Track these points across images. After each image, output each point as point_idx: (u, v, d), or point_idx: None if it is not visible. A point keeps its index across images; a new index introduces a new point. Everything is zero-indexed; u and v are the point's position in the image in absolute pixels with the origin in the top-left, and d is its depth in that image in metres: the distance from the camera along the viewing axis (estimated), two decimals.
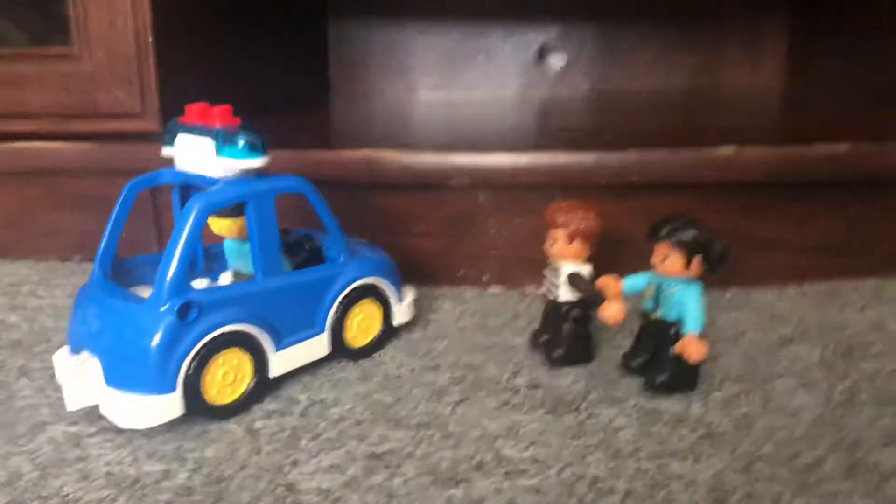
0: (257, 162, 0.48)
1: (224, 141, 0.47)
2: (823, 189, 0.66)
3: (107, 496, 0.39)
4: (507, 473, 0.41)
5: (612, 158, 0.65)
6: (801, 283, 0.68)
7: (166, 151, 0.51)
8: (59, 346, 0.56)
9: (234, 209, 0.49)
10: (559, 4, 1.21)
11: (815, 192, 0.66)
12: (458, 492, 0.39)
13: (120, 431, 0.45)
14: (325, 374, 0.52)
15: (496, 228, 0.67)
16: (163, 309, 0.44)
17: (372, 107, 1.08)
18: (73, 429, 0.45)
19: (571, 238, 0.52)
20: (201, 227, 0.46)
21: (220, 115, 0.48)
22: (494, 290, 0.68)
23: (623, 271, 0.52)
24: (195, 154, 0.49)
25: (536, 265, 0.67)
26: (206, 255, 0.57)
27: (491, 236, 0.68)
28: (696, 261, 0.48)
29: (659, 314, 0.50)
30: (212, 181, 0.48)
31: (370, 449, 0.43)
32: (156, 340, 0.43)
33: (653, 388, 0.49)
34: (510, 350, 0.56)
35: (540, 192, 0.66)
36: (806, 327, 0.59)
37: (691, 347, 0.47)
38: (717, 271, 0.49)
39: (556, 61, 1.24)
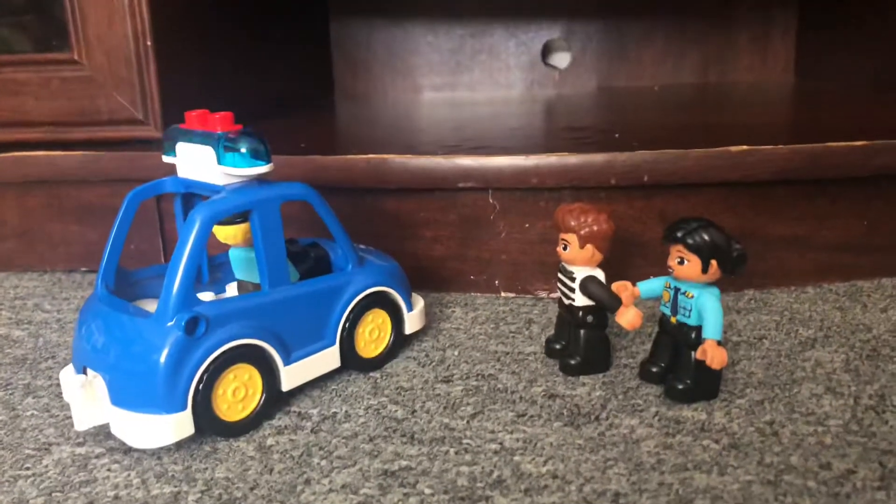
0: (261, 169, 0.47)
1: (226, 148, 0.46)
2: (843, 186, 0.65)
3: None
4: (526, 490, 0.39)
5: (622, 159, 0.63)
6: (820, 283, 0.66)
7: (167, 159, 0.50)
8: (65, 362, 0.56)
9: (238, 215, 0.48)
10: (563, 1, 1.19)
11: (835, 188, 0.65)
12: None
13: (128, 451, 0.44)
14: (336, 387, 0.51)
15: (506, 232, 0.66)
16: (170, 324, 0.42)
17: (376, 108, 1.07)
18: (80, 450, 0.44)
19: (583, 242, 0.50)
20: (205, 239, 0.44)
21: (221, 121, 0.47)
22: (506, 295, 0.67)
23: (636, 274, 0.51)
24: (197, 162, 0.48)
25: (548, 269, 0.66)
26: (211, 266, 0.56)
27: (501, 240, 0.66)
28: (714, 265, 0.46)
29: (677, 319, 0.48)
30: (215, 189, 0.47)
31: (384, 466, 0.42)
32: (163, 357, 0.42)
33: (674, 396, 0.48)
34: (524, 358, 0.55)
35: (549, 194, 0.64)
36: (828, 329, 0.57)
37: (713, 353, 0.45)
38: (735, 274, 0.47)
39: (561, 60, 1.22)
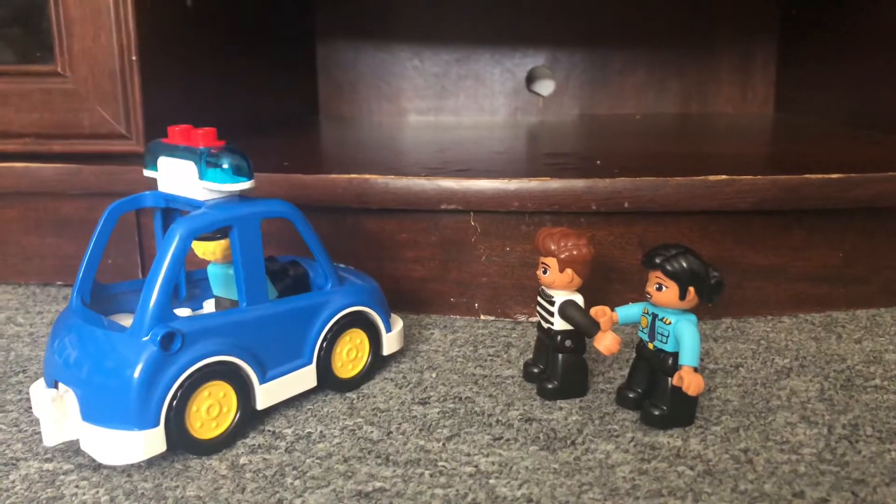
0: (242, 185, 0.47)
1: (208, 164, 0.46)
2: (819, 217, 0.66)
3: None
4: None
5: (603, 185, 0.64)
6: (796, 313, 0.67)
7: (148, 173, 0.50)
8: (36, 376, 0.55)
9: (218, 231, 0.47)
10: (548, 30, 1.21)
11: (811, 220, 0.66)
12: None
13: (97, 468, 0.43)
14: (311, 407, 0.51)
15: (487, 255, 0.66)
16: (145, 339, 0.42)
17: (361, 129, 1.07)
18: (48, 466, 0.43)
19: (563, 266, 0.51)
20: (184, 254, 0.44)
21: (204, 136, 0.47)
22: (485, 317, 0.67)
23: (615, 299, 0.51)
24: (178, 177, 0.47)
25: (528, 292, 0.66)
26: (189, 282, 0.56)
27: (482, 263, 0.66)
28: (691, 291, 0.47)
29: (655, 345, 0.49)
30: (195, 204, 0.47)
31: (358, 487, 0.41)
32: (137, 372, 0.41)
33: (650, 422, 0.48)
34: (502, 381, 0.54)
35: (531, 218, 0.65)
36: (803, 359, 0.58)
37: (689, 380, 0.46)
38: (712, 302, 0.48)
39: (545, 87, 1.24)
